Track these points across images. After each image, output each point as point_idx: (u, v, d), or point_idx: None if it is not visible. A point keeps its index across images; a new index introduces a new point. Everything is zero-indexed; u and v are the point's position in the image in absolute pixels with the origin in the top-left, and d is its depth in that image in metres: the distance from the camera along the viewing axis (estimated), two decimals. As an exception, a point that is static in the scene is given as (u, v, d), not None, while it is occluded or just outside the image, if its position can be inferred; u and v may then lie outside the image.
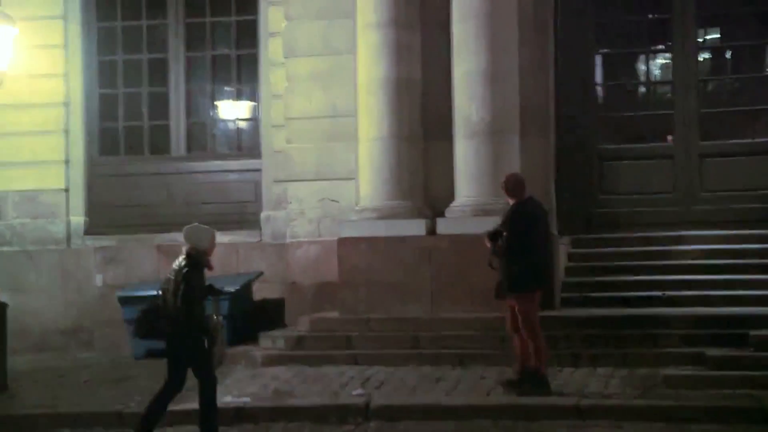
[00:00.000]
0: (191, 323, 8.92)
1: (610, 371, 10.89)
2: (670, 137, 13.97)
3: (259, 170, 14.92)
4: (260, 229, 14.69)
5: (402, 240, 12.50)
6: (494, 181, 12.09)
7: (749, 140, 13.70)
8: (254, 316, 13.53)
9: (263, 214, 14.67)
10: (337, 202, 13.76)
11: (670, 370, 10.55)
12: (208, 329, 9.10)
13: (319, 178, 13.88)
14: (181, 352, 9.00)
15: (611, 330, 11.53)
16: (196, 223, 9.63)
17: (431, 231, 12.64)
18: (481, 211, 12.29)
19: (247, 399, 10.77)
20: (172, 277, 9.00)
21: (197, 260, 9.04)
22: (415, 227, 12.62)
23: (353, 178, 13.44)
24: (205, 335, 9.03)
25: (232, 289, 13.28)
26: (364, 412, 10.16)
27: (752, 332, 10.78)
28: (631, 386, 10.34)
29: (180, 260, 9.07)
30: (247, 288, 13.75)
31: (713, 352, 10.68)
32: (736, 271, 12.35)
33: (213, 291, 9.33)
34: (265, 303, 13.98)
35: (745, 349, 10.68)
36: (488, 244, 10.31)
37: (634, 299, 12.19)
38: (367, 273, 12.54)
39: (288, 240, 14.04)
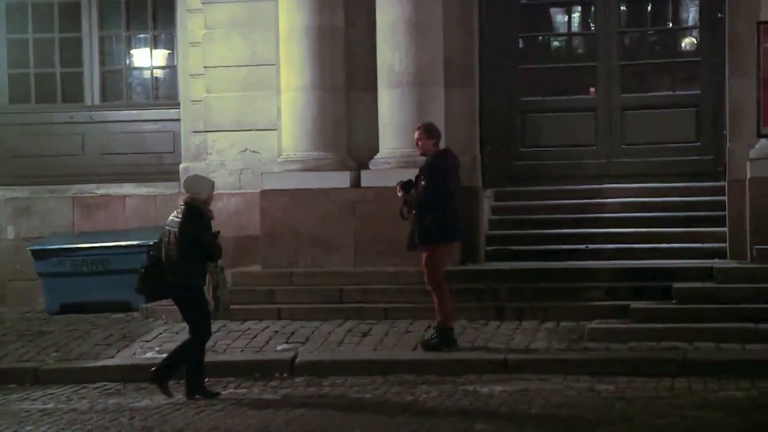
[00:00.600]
0: (194, 273, 9.06)
1: (535, 325, 10.92)
2: (592, 90, 13.95)
3: (177, 120, 14.57)
4: (179, 180, 14.35)
5: (326, 192, 12.34)
6: (418, 132, 11.98)
7: (670, 93, 13.74)
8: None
9: (182, 166, 14.33)
10: (259, 153, 13.51)
11: (595, 324, 10.60)
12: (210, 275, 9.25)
13: (239, 128, 13.61)
14: (185, 302, 9.16)
15: (535, 283, 11.55)
16: (196, 173, 9.77)
17: (355, 183, 12.50)
18: (406, 163, 12.15)
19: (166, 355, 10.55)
20: (174, 229, 9.07)
21: (198, 209, 9.10)
22: (339, 179, 12.46)
23: (275, 129, 13.21)
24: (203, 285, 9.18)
25: (151, 242, 13.01)
26: (290, 367, 10.06)
27: (675, 285, 10.88)
28: (556, 340, 10.38)
29: (179, 211, 9.14)
30: (166, 241, 13.44)
31: (637, 305, 10.75)
32: (658, 224, 12.44)
33: (216, 238, 9.29)
34: (184, 256, 13.70)
35: (668, 301, 10.78)
36: (400, 194, 10.21)
37: (557, 252, 12.22)
38: (290, 226, 12.38)
39: (208, 192, 13.74)
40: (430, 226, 10.00)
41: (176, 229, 9.08)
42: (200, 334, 9.27)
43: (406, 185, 10.24)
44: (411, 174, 11.19)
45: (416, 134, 10.48)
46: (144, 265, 9.46)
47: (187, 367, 9.25)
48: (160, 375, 9.24)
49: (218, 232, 9.45)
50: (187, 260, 9.05)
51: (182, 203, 9.27)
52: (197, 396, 9.15)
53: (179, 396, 9.22)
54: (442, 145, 10.58)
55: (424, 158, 10.51)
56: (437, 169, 10.14)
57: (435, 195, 10.03)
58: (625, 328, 10.44)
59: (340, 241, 12.25)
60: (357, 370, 9.88)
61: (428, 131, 10.39)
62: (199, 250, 9.10)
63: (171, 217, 9.25)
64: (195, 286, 9.19)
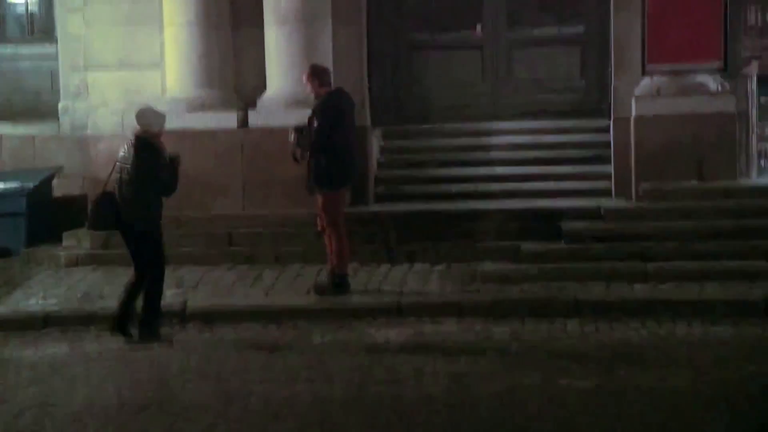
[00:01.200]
0: (152, 209, 8.96)
1: (427, 268, 10.88)
2: (478, 25, 13.88)
3: (54, 57, 14.03)
4: (58, 120, 13.87)
5: (212, 133, 12.04)
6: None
7: (555, 29, 13.74)
8: (55, 214, 12.79)
9: (61, 105, 13.80)
10: (142, 92, 13.08)
11: (487, 265, 10.64)
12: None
13: (121, 67, 13.14)
14: (143, 241, 8.99)
15: (426, 225, 11.48)
16: (148, 106, 9.53)
17: (243, 123, 12.22)
18: (294, 103, 11.91)
19: (53, 302, 10.28)
20: (126, 165, 8.91)
21: (151, 144, 8.97)
22: (226, 119, 12.17)
23: (159, 67, 12.81)
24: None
25: (29, 185, 12.60)
26: (181, 314, 9.86)
27: (564, 225, 10.97)
28: (449, 282, 10.38)
29: (129, 145, 8.97)
30: (45, 184, 12.97)
31: (528, 246, 10.81)
32: (545, 163, 12.48)
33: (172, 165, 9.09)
34: (66, 200, 13.26)
35: (558, 242, 10.87)
36: (291, 137, 10.03)
37: (447, 193, 12.18)
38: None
39: (89, 132, 13.32)
40: (327, 169, 9.87)
41: (129, 165, 8.89)
42: (160, 270, 9.14)
43: (299, 129, 10.05)
44: (299, 113, 11.01)
45: (303, 78, 10.29)
46: (95, 199, 9.19)
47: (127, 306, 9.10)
48: (146, 329, 9.00)
49: (177, 156, 9.21)
50: (144, 197, 8.92)
51: (132, 137, 9.06)
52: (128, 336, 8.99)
53: (64, 346, 8.97)
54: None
55: (314, 97, 10.33)
56: (329, 110, 9.98)
57: (329, 136, 9.87)
58: (516, 270, 10.50)
59: (227, 183, 11.99)
60: (250, 317, 9.72)
61: (314, 74, 10.19)
62: (155, 186, 8.94)
63: (121, 153, 9.05)
64: (154, 223, 9.07)
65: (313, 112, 10.08)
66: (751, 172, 11.84)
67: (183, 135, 12.01)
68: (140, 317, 9.07)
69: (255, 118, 12.22)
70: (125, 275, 10.83)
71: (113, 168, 9.13)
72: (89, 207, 9.24)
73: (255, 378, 7.67)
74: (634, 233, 10.80)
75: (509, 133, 13.07)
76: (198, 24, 12.29)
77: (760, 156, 11.95)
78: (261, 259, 11.25)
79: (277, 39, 12.21)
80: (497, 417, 6.58)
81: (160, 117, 9.31)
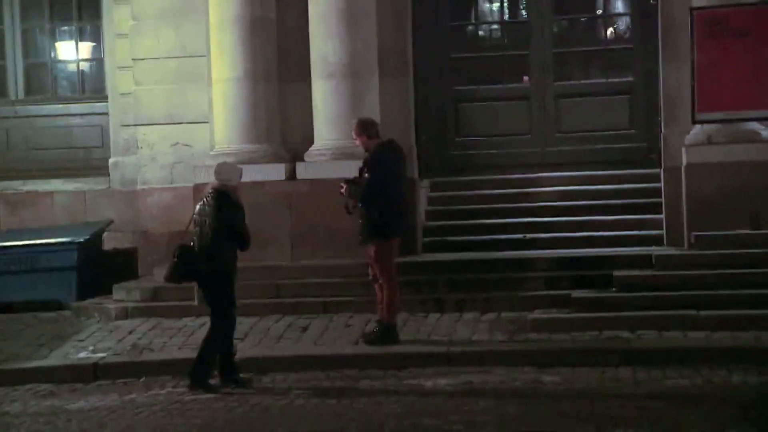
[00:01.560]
0: (228, 260, 9.14)
1: (476, 316, 10.83)
2: (525, 78, 13.90)
3: (105, 114, 14.28)
4: (109, 175, 14.05)
5: (260, 185, 12.09)
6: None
7: (603, 80, 13.74)
8: (105, 267, 12.93)
9: (111, 160, 14.03)
10: (191, 146, 13.21)
11: (537, 314, 10.54)
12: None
13: (170, 121, 13.29)
14: (217, 290, 9.14)
15: (475, 274, 11.44)
16: (225, 161, 9.85)
17: (291, 176, 12.31)
18: (341, 155, 12.00)
19: (102, 354, 10.32)
20: (206, 217, 9.09)
21: (230, 197, 9.17)
22: (274, 172, 12.26)
23: (207, 122, 12.96)
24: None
25: (80, 239, 12.72)
26: (230, 364, 9.82)
27: (615, 273, 10.86)
28: (498, 331, 10.31)
29: (209, 199, 9.16)
30: (96, 237, 13.14)
31: (578, 294, 10.72)
32: (594, 212, 12.43)
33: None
34: (116, 253, 13.39)
35: (609, 290, 10.75)
36: (343, 189, 10.04)
37: (495, 242, 12.14)
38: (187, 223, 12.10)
39: (139, 187, 13.47)
40: (378, 220, 9.86)
41: (209, 218, 9.06)
42: (229, 320, 9.22)
43: (351, 181, 10.08)
44: (347, 165, 11.15)
45: (353, 132, 10.34)
46: (175, 253, 9.30)
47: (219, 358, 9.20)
48: (196, 375, 9.09)
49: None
50: (222, 248, 9.10)
51: (211, 190, 9.24)
52: (233, 385, 9.06)
53: (113, 396, 8.97)
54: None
55: (362, 149, 10.37)
56: (380, 162, 10.00)
57: (380, 187, 9.87)
58: (566, 318, 10.40)
59: (275, 234, 12.04)
60: (298, 366, 9.70)
61: (362, 127, 10.25)
62: (232, 238, 9.12)
63: (199, 206, 9.24)
64: (228, 275, 9.22)
65: (364, 163, 10.10)
66: (804, 219, 11.66)
67: (231, 187, 12.11)
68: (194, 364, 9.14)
69: (303, 171, 12.30)
70: (174, 327, 10.98)
71: (190, 221, 9.30)
72: (172, 261, 9.30)
73: (304, 427, 7.60)
74: (686, 281, 10.65)
75: (557, 183, 13.07)
76: (246, 79, 12.45)
77: (813, 203, 11.76)
78: (309, 310, 11.24)
79: (324, 92, 12.31)
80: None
81: (238, 170, 9.50)
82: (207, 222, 9.09)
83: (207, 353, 9.17)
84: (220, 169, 9.39)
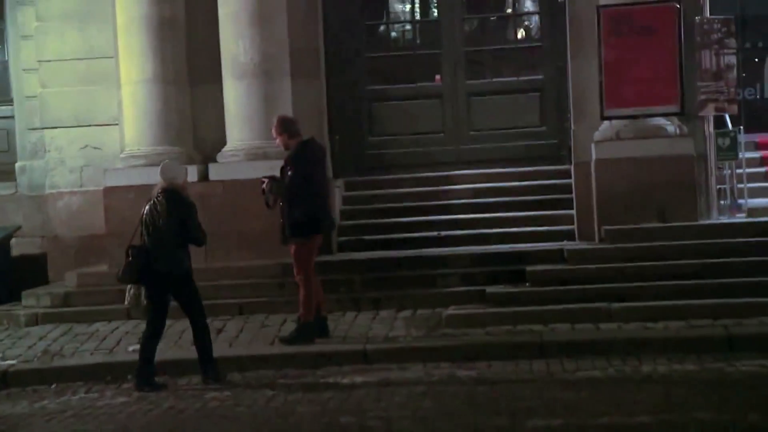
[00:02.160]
0: (184, 258, 9.13)
1: (392, 314, 10.85)
2: (438, 77, 13.97)
3: (11, 117, 14.01)
4: (15, 180, 13.78)
5: (172, 187, 11.95)
6: (266, 124, 11.79)
7: (514, 78, 13.85)
8: (13, 274, 12.66)
9: (18, 164, 13.77)
10: (101, 149, 13.07)
11: (452, 310, 10.59)
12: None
13: (78, 124, 13.14)
14: (182, 289, 9.18)
15: (390, 272, 11.47)
16: (169, 160, 9.88)
17: (203, 177, 12.21)
18: (254, 155, 11.96)
19: (12, 362, 10.13)
20: (158, 217, 9.05)
21: (179, 195, 9.18)
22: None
23: (117, 124, 12.78)
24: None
25: (-12, 245, 12.47)
26: (145, 367, 9.70)
27: (528, 268, 10.97)
28: (414, 328, 10.33)
29: (159, 198, 9.12)
30: (3, 243, 12.84)
31: (492, 289, 10.80)
32: (507, 208, 12.53)
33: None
34: (24, 259, 13.13)
35: (522, 285, 10.85)
36: (264, 184, 9.98)
37: (411, 240, 12.19)
38: (136, 223, 11.93)
39: (47, 191, 13.26)
40: (301, 218, 9.82)
41: (162, 217, 9.03)
42: (201, 313, 9.27)
43: (272, 178, 10.01)
44: (260, 166, 11.15)
45: (273, 132, 10.27)
46: (129, 253, 9.18)
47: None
48: (207, 373, 9.15)
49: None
50: (178, 244, 9.10)
51: (159, 190, 9.20)
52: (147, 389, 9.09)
53: (23, 404, 8.81)
54: None
55: (276, 149, 10.33)
56: (302, 160, 9.95)
57: (303, 185, 9.83)
58: (481, 313, 10.46)
59: (189, 236, 11.90)
60: (213, 368, 9.60)
61: (282, 125, 10.18)
62: (186, 236, 9.11)
63: (148, 207, 9.17)
64: (188, 272, 9.25)
65: (286, 162, 10.04)
66: (711, 212, 11.91)
67: (143, 190, 11.85)
68: (203, 359, 9.21)
69: (215, 172, 12.21)
70: (86, 332, 10.82)
71: (139, 223, 9.21)
72: (126, 261, 9.21)
73: (218, 429, 7.52)
74: (598, 275, 10.79)
75: (471, 181, 13.14)
76: (156, 81, 12.33)
77: (719, 196, 12.02)
78: (224, 311, 11.14)
79: (235, 93, 12.24)
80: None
81: (183, 169, 9.58)
82: (161, 221, 9.05)
83: (206, 350, 9.23)
84: (165, 168, 9.35)
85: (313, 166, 10.00)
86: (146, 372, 9.17)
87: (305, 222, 9.85)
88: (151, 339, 9.25)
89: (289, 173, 9.87)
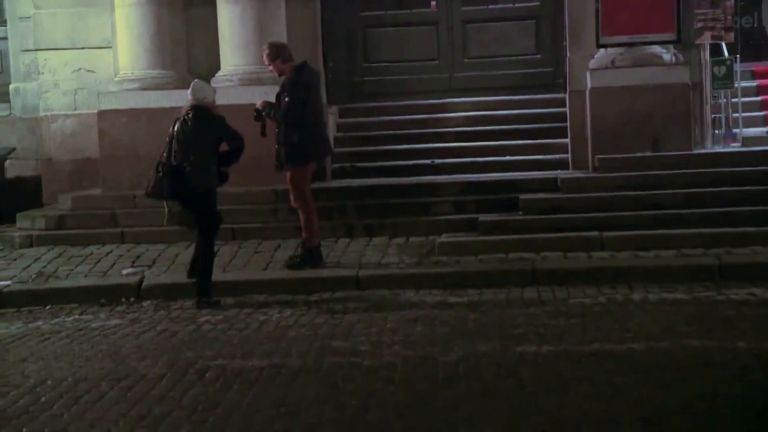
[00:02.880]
0: (212, 174, 9.28)
1: (385, 241, 10.91)
2: (433, 3, 13.86)
3: (4, 38, 13.89)
4: (9, 102, 13.71)
5: (166, 112, 11.80)
6: (260, 49, 11.72)
7: (510, 5, 13.74)
8: (8, 196, 12.70)
9: (12, 86, 13.71)
10: (94, 72, 13.00)
11: (444, 237, 10.63)
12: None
13: (72, 46, 13.05)
14: (202, 204, 9.31)
15: (384, 200, 11.49)
16: (199, 79, 9.95)
17: (196, 102, 12.09)
18: (249, 81, 11.91)
19: (7, 282, 10.17)
20: (188, 135, 9.19)
21: (210, 112, 9.36)
22: (180, 98, 11.86)
23: (110, 47, 12.69)
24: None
25: (-20, 167, 12.47)
26: (137, 291, 9.78)
27: (521, 196, 10.99)
28: (407, 255, 10.38)
29: (189, 116, 9.28)
30: (-2, 165, 12.89)
31: (485, 217, 10.83)
32: (502, 137, 12.53)
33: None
34: (19, 181, 13.14)
35: (515, 213, 10.88)
36: (258, 106, 9.99)
37: (403, 168, 12.20)
38: (130, 147, 11.99)
39: (41, 114, 13.21)
40: (297, 144, 9.81)
41: (193, 134, 9.18)
42: (213, 232, 9.42)
43: (268, 104, 9.99)
44: (254, 91, 11.13)
45: (264, 59, 10.20)
46: (160, 169, 9.29)
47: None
48: (203, 293, 9.29)
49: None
50: (210, 164, 9.25)
51: (189, 108, 9.36)
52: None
53: (18, 324, 8.88)
54: None
55: (270, 75, 10.26)
56: (299, 85, 9.91)
57: (299, 111, 9.80)
58: (474, 241, 10.51)
59: (183, 161, 11.90)
60: (206, 292, 9.65)
61: (276, 51, 10.11)
62: (221, 154, 9.32)
63: (178, 125, 9.32)
64: (213, 188, 9.40)
65: (282, 87, 9.99)
66: (705, 141, 11.92)
67: (136, 114, 11.99)
68: (199, 285, 9.33)
69: (209, 97, 12.11)
70: (80, 255, 10.86)
71: (168, 141, 9.32)
72: (152, 178, 9.34)
73: (211, 352, 7.58)
74: (591, 204, 10.83)
75: (465, 108, 13.12)
76: (149, 4, 12.26)
77: (713, 125, 12.02)
78: (218, 236, 11.10)
79: (230, 17, 12.16)
80: (454, 383, 6.55)
81: (212, 89, 9.71)
82: (191, 138, 9.17)
83: (204, 272, 9.33)
84: (195, 88, 9.49)
85: (308, 91, 9.94)
86: (206, 289, 9.31)
87: (301, 148, 9.84)
88: (206, 256, 9.37)
89: (285, 99, 9.83)
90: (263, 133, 10.01)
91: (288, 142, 9.81)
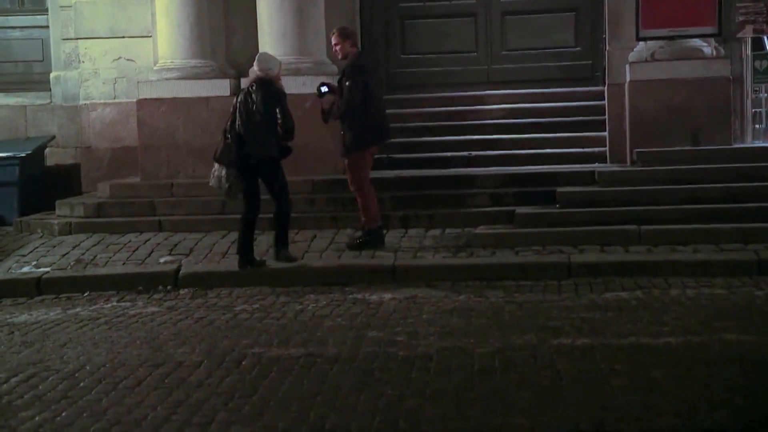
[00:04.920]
0: (274, 145, 9.63)
1: (421, 232, 10.90)
2: (472, -6, 13.84)
3: (46, 27, 14.01)
4: (50, 90, 13.84)
5: (205, 101, 12.03)
6: (299, 38, 11.88)
7: (550, -4, 13.72)
8: (47, 183, 12.84)
9: (53, 74, 13.84)
10: (134, 61, 13.10)
11: (481, 229, 10.62)
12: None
13: (112, 35, 13.15)
14: (269, 174, 9.71)
15: (421, 191, 11.50)
16: (265, 51, 10.39)
17: (236, 91, 12.00)
18: (287, 71, 11.82)
19: (47, 269, 10.27)
20: (252, 105, 9.51)
21: (274, 85, 9.66)
22: (219, 87, 12.16)
23: (150, 36, 12.78)
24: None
25: (22, 154, 12.58)
26: (174, 279, 9.85)
27: (558, 189, 10.96)
28: (443, 246, 10.38)
29: (253, 88, 9.61)
30: (38, 153, 13.01)
31: (522, 210, 10.81)
32: (540, 129, 12.50)
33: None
34: (58, 169, 13.26)
35: (552, 206, 10.86)
36: (321, 93, 10.16)
37: (441, 160, 12.20)
38: (169, 136, 12.08)
39: (81, 102, 13.32)
40: (360, 130, 10.01)
41: (258, 105, 9.50)
42: (287, 199, 9.85)
43: (324, 94, 10.18)
44: (293, 81, 11.24)
45: (333, 39, 10.35)
46: (227, 135, 9.64)
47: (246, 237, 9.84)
48: (280, 252, 9.91)
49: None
50: (269, 133, 9.56)
51: (253, 80, 9.75)
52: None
53: (57, 310, 8.97)
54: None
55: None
56: (361, 70, 10.06)
57: (360, 96, 9.95)
58: (510, 233, 10.49)
59: (221, 150, 11.96)
60: (243, 281, 9.71)
61: (343, 33, 10.30)
62: (276, 124, 9.55)
63: (241, 97, 9.65)
64: (275, 158, 9.71)
65: (343, 73, 10.11)
66: (746, 136, 11.85)
67: (175, 103, 12.07)
68: (278, 238, 9.95)
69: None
70: (119, 243, 10.95)
71: (233, 112, 9.63)
72: (220, 144, 9.70)
73: (247, 340, 7.62)
74: (628, 197, 10.80)
75: (503, 101, 13.11)
76: (189, -7, 12.25)
77: (754, 120, 11.93)
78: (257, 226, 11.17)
79: (269, 7, 12.20)
80: (489, 374, 6.55)
81: (278, 61, 9.97)
82: (255, 108, 9.47)
83: (284, 232, 9.96)
84: (261, 59, 9.82)
85: (369, 76, 10.09)
86: (246, 251, 9.75)
87: (361, 133, 10.05)
88: (248, 224, 9.79)
89: (347, 84, 9.90)
90: (325, 120, 10.28)
91: (352, 127, 10.01)
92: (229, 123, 9.63)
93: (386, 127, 10.46)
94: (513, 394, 6.08)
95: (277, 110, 9.52)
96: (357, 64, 10.07)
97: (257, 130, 9.52)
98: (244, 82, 9.94)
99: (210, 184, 9.87)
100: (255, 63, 9.77)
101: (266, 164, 9.67)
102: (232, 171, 9.65)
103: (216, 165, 9.75)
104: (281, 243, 9.92)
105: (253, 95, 9.54)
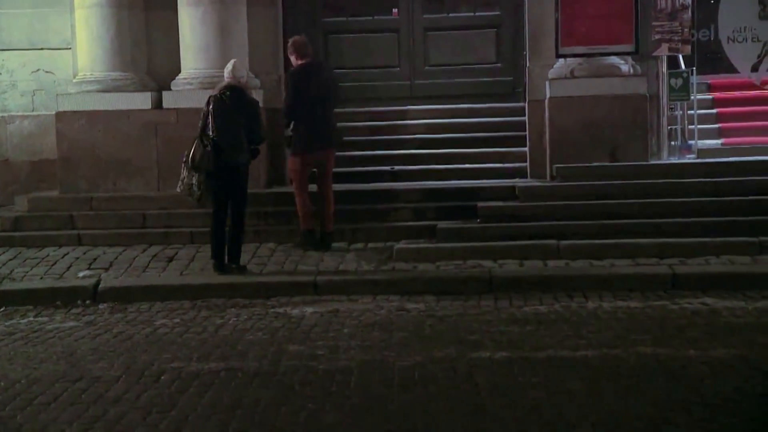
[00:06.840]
0: (248, 150, 9.99)
1: (344, 246, 10.93)
2: (395, 10, 13.92)
3: (-38, 39, 13.75)
4: (-32, 102, 13.62)
5: (126, 114, 11.93)
6: (221, 52, 11.82)
7: (471, 14, 13.85)
8: (-37, 196, 12.61)
9: (-31, 86, 13.59)
10: (53, 73, 12.95)
11: (403, 244, 10.68)
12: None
13: (31, 47, 12.99)
14: (242, 179, 9.96)
15: (343, 205, 11.44)
16: (236, 59, 10.50)
17: (157, 105, 12.14)
18: (209, 84, 11.81)
19: (-39, 285, 10.08)
20: (227, 112, 9.74)
21: (245, 92, 10.01)
22: (140, 100, 12.06)
23: (69, 48, 12.64)
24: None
25: (-63, 168, 12.35)
26: (93, 293, 9.74)
27: (480, 204, 11.06)
28: (365, 261, 10.41)
29: (227, 95, 9.83)
30: (-47, 166, 12.77)
31: (443, 224, 10.89)
32: (462, 144, 12.61)
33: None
34: (-25, 182, 13.05)
35: (473, 221, 10.95)
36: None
37: (363, 174, 12.23)
38: (89, 149, 11.95)
39: (-1, 114, 13.12)
40: (297, 136, 10.63)
41: (232, 112, 9.75)
42: (245, 206, 10.10)
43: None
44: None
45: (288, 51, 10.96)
46: (204, 140, 9.76)
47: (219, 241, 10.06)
48: (233, 261, 10.03)
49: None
50: (242, 140, 9.88)
51: (225, 86, 9.94)
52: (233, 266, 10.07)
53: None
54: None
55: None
56: (291, 77, 10.71)
57: (291, 107, 10.58)
58: (432, 248, 10.56)
59: (142, 164, 11.92)
60: (164, 296, 9.64)
61: (291, 45, 10.89)
62: (249, 134, 9.92)
63: (213, 104, 9.81)
64: (248, 164, 10.06)
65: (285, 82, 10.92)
66: (662, 152, 12.06)
67: (95, 116, 11.96)
68: (233, 250, 10.04)
69: (169, 100, 12.15)
70: (36, 257, 10.79)
71: (204, 118, 9.80)
72: (193, 153, 9.76)
73: (167, 355, 7.57)
74: (548, 212, 10.94)
75: (425, 116, 13.22)
76: (110, 5, 12.20)
77: (670, 136, 12.16)
78: (176, 240, 11.17)
79: (191, 21, 12.14)
80: (410, 387, 6.58)
81: (246, 71, 10.54)
82: (230, 117, 9.68)
83: (238, 241, 10.09)
84: (235, 67, 10.09)
85: (298, 87, 10.54)
86: (220, 255, 9.97)
87: (295, 140, 10.66)
88: (218, 228, 9.97)
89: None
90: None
91: (293, 131, 10.68)
92: (200, 130, 9.78)
93: (319, 137, 10.67)
94: (433, 407, 6.12)
95: (253, 117, 9.90)
96: (292, 72, 10.71)
97: (235, 136, 9.78)
98: (214, 89, 10.04)
99: (177, 191, 9.98)
100: (228, 70, 10.04)
101: (240, 169, 9.90)
102: (203, 177, 9.74)
103: (185, 173, 9.80)
104: (235, 251, 10.05)
105: (227, 101, 9.75)
